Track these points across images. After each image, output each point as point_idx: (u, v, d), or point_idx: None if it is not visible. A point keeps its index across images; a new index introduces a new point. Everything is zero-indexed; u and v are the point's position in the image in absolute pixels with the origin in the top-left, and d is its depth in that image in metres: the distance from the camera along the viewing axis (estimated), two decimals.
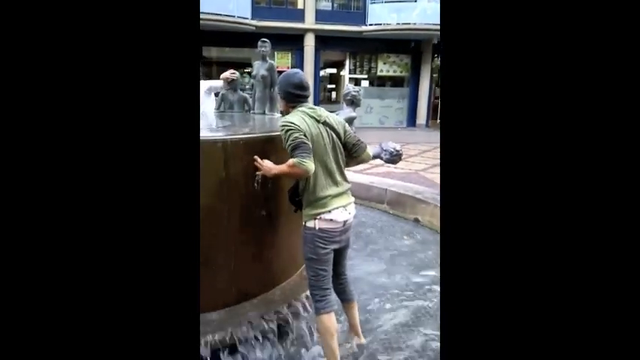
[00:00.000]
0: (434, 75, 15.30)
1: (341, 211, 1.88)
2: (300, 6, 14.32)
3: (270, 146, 2.09)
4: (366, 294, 2.82)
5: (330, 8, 14.68)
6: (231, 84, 3.53)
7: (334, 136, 1.90)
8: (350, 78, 15.47)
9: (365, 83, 15.72)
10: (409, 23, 13.59)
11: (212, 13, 12.08)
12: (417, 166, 7.83)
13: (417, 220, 4.36)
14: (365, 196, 4.87)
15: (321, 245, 1.87)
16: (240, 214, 2.03)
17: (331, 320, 1.92)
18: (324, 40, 14.39)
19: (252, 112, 3.48)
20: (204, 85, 3.28)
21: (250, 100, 3.70)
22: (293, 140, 1.75)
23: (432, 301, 2.72)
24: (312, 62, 14.46)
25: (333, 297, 2.01)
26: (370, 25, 14.10)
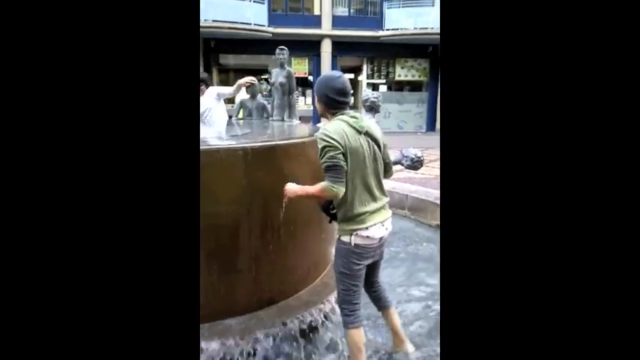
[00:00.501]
0: None
1: (378, 227, 1.80)
2: (316, 12, 14.40)
3: (289, 153, 2.09)
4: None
5: (346, 14, 14.72)
6: (248, 90, 3.56)
7: (375, 147, 1.80)
8: (368, 83, 15.45)
9: (383, 88, 15.67)
10: (426, 27, 13.51)
11: (229, 22, 12.28)
12: (437, 171, 7.73)
13: (438, 226, 4.29)
14: None
15: (354, 261, 1.81)
16: (262, 220, 2.03)
17: (360, 334, 1.87)
18: (340, 46, 14.43)
19: (270, 119, 3.51)
20: (213, 91, 3.16)
21: (269, 107, 3.73)
22: (328, 159, 1.67)
23: None
24: (330, 68, 14.49)
25: (363, 311, 1.96)
26: (387, 30, 14.08)
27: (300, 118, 4.02)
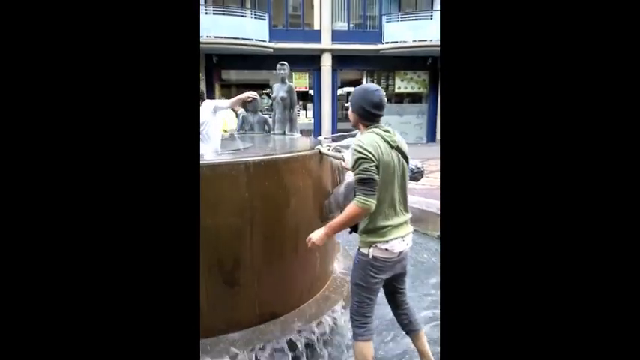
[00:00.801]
0: None
1: (399, 241, 1.79)
2: (316, 27, 14.58)
3: (291, 166, 2.11)
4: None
5: (346, 28, 14.90)
6: (250, 105, 3.59)
7: (404, 163, 1.81)
8: None
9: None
10: (425, 40, 13.65)
11: (231, 37, 12.44)
12: (439, 182, 7.71)
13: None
14: None
15: (372, 274, 1.80)
16: (264, 234, 2.04)
17: (369, 348, 1.86)
18: (341, 60, 14.58)
19: (272, 133, 3.54)
20: (210, 104, 3.11)
21: (270, 122, 3.77)
22: (362, 172, 1.66)
23: None
24: (330, 81, 14.63)
25: (374, 324, 1.95)
26: (387, 43, 14.23)
27: (302, 132, 4.06)
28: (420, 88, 15.78)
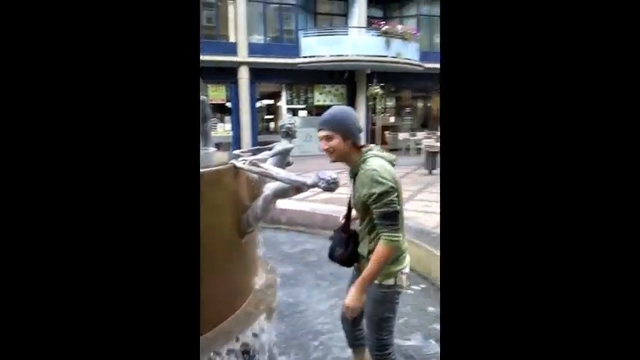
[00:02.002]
0: (369, 103, 15.96)
1: (408, 262, 1.73)
2: (232, 39, 14.44)
3: (206, 181, 2.03)
4: (313, 322, 2.77)
5: (262, 42, 14.95)
6: None
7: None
8: (288, 108, 15.70)
9: (303, 113, 16.02)
10: (342, 55, 14.18)
11: None
12: None
13: None
14: (309, 223, 4.87)
15: (397, 302, 1.71)
16: None
17: None
18: (258, 73, 14.56)
19: None
20: None
21: None
22: (388, 206, 1.50)
23: None
24: (248, 94, 14.53)
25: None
26: (304, 57, 14.52)
27: (219, 145, 3.95)
28: (338, 101, 16.30)
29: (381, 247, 1.53)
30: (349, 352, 2.44)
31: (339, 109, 1.71)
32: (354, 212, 1.86)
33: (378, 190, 1.51)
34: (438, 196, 7.14)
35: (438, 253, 3.40)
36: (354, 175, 1.71)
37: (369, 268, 1.57)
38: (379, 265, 1.55)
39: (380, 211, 1.52)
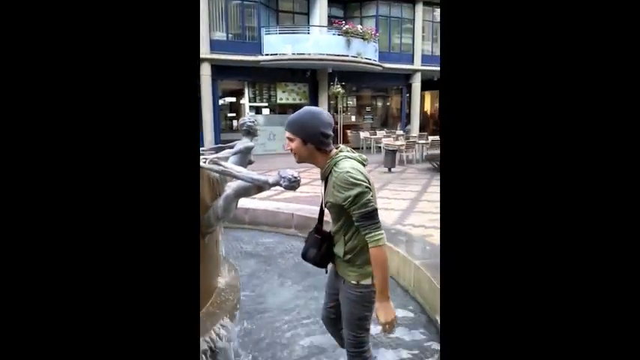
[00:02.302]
0: (331, 102, 16.08)
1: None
2: None
3: None
4: (279, 321, 2.79)
5: (224, 38, 14.71)
6: None
7: None
8: (250, 106, 15.54)
9: (266, 111, 15.92)
10: (304, 53, 14.19)
11: None
12: (320, 189, 8.05)
13: None
14: (272, 222, 4.87)
15: (374, 300, 1.68)
16: None
17: None
18: (220, 70, 14.31)
19: None
20: None
21: None
22: (365, 206, 1.51)
23: None
24: (210, 91, 14.25)
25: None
26: (266, 54, 14.42)
27: None
28: (300, 99, 16.31)
29: (373, 252, 1.55)
30: (314, 349, 2.48)
31: (305, 111, 1.69)
32: (326, 213, 1.88)
33: (353, 192, 1.51)
34: (396, 194, 7.32)
35: (397, 249, 3.50)
36: (325, 177, 1.72)
37: (376, 277, 1.58)
38: (382, 270, 1.56)
39: (359, 212, 1.53)
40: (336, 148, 1.69)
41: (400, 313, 2.93)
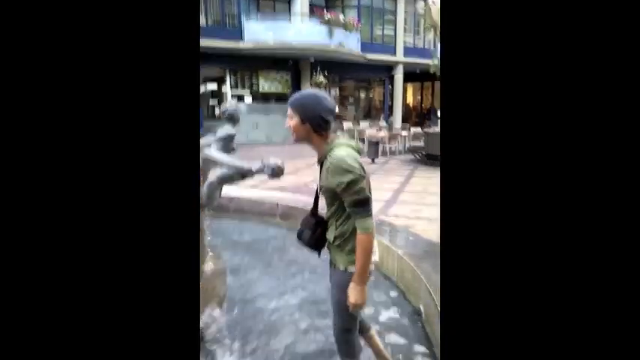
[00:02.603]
0: None
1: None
2: None
3: None
4: (266, 310, 2.81)
5: (204, 25, 14.41)
6: None
7: None
8: (232, 94, 15.34)
9: (248, 99, 15.74)
10: (285, 42, 14.05)
11: None
12: (306, 178, 8.07)
13: None
14: (257, 211, 4.86)
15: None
16: None
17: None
18: (201, 56, 14.04)
19: None
20: None
21: None
22: (358, 193, 1.53)
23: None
24: None
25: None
26: (247, 42, 14.21)
27: None
28: (283, 88, 16.19)
29: (359, 238, 1.57)
30: (301, 336, 2.50)
31: (308, 92, 1.72)
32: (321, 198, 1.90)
33: (346, 179, 1.53)
34: (380, 184, 7.35)
35: (381, 239, 3.55)
36: (320, 162, 1.74)
37: (357, 262, 1.60)
38: (366, 254, 1.58)
39: (351, 199, 1.55)
40: (334, 136, 1.71)
41: (383, 297, 2.99)
